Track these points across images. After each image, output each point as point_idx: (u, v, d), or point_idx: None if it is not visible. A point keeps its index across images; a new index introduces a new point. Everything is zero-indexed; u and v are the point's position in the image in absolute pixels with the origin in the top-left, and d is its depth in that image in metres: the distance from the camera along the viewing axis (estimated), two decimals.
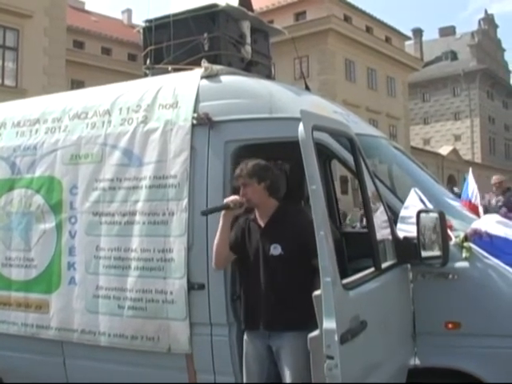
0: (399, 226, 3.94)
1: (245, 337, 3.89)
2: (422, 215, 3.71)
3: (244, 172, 3.82)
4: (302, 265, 3.66)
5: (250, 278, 3.86)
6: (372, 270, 3.49)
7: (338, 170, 5.48)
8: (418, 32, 65.22)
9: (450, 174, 48.71)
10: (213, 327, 4.20)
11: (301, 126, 3.01)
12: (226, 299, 4.15)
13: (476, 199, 5.19)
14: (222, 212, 3.85)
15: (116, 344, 4.43)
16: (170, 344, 4.27)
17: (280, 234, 3.75)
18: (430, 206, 3.97)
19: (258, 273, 3.76)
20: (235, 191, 3.99)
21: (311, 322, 3.44)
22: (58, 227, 4.71)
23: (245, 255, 3.89)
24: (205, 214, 4.00)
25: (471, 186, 6.67)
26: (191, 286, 4.20)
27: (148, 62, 5.29)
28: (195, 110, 4.41)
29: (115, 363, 4.49)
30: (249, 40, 5.26)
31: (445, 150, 52.50)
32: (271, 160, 5.97)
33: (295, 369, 3.59)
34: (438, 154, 50.61)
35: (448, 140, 63.04)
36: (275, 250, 3.71)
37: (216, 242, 3.90)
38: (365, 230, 3.79)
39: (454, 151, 53.60)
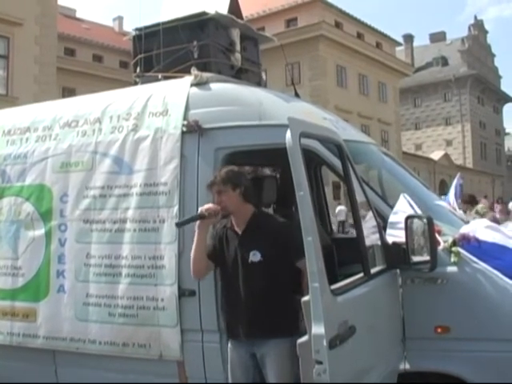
0: (388, 231, 3.97)
1: (229, 345, 3.88)
2: (411, 220, 3.74)
3: (218, 179, 3.79)
4: (281, 269, 3.66)
5: (229, 286, 3.84)
6: (361, 275, 3.50)
7: (330, 176, 5.50)
8: (408, 38, 65.68)
9: (442, 178, 48.90)
10: (204, 334, 4.21)
11: (288, 133, 3.02)
12: (217, 306, 4.14)
13: (453, 203, 5.26)
14: (197, 222, 3.80)
15: (107, 351, 4.42)
16: (162, 351, 4.27)
17: (258, 240, 3.73)
18: (419, 212, 4.00)
19: (238, 280, 3.74)
20: None
21: (294, 327, 3.47)
22: (48, 235, 4.70)
23: (223, 263, 3.87)
24: (179, 225, 3.99)
25: (452, 190, 6.74)
26: (182, 293, 4.21)
27: (138, 70, 5.31)
28: (185, 118, 4.42)
29: (106, 371, 4.48)
30: (238, 47, 5.29)
31: (436, 155, 52.77)
32: (261, 167, 6.03)
33: (280, 375, 3.59)
34: (429, 159, 50.86)
35: (439, 145, 63.35)
36: (254, 256, 3.69)
37: (193, 252, 3.85)
38: (354, 236, 3.80)
39: (446, 156, 53.88)
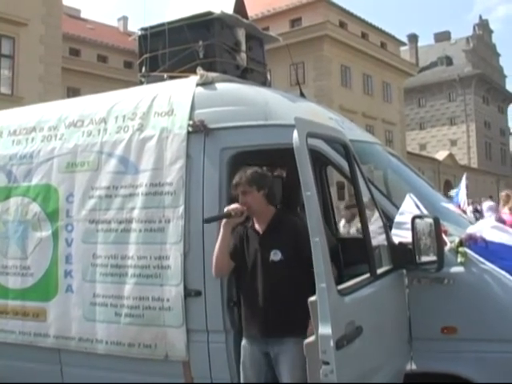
0: (394, 231, 3.96)
1: (243, 343, 3.89)
2: (417, 221, 3.73)
3: (243, 180, 3.83)
4: (300, 270, 3.66)
5: (248, 285, 3.86)
6: (367, 275, 3.50)
7: (335, 176, 5.49)
8: (413, 38, 65.56)
9: (447, 179, 48.78)
10: (209, 334, 4.21)
11: (295, 133, 3.02)
12: (223, 306, 4.15)
13: (464, 204, 5.23)
14: (223, 221, 3.87)
15: (113, 352, 4.43)
16: (167, 351, 4.27)
17: (279, 239, 3.77)
18: (425, 212, 3.99)
19: (257, 279, 3.77)
20: (233, 200, 4.00)
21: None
22: (55, 235, 4.71)
23: (243, 262, 3.90)
24: (207, 221, 4.01)
25: (462, 192, 6.71)
26: (188, 293, 4.21)
27: (143, 69, 5.30)
28: (191, 118, 4.42)
29: (112, 371, 4.48)
30: (244, 47, 5.29)
31: (441, 155, 52.64)
32: (267, 167, 6.01)
33: (294, 374, 3.59)
34: (434, 159, 50.73)
35: (444, 145, 63.21)
36: (275, 255, 3.73)
37: (216, 250, 3.91)
38: (360, 236, 3.79)
39: (451, 156, 53.73)
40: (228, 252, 3.91)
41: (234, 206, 3.84)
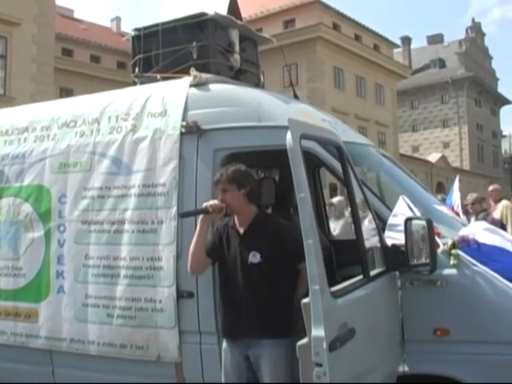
0: (387, 233, 3.96)
1: (223, 346, 3.87)
2: (410, 223, 3.74)
3: (224, 177, 3.78)
4: (281, 272, 3.66)
5: (228, 285, 3.84)
6: (360, 277, 3.50)
7: (328, 177, 5.49)
8: (406, 40, 65.66)
9: (439, 181, 48.93)
10: (202, 335, 4.20)
11: (289, 135, 3.02)
12: (215, 307, 4.13)
13: (458, 207, 5.25)
14: (200, 216, 3.83)
15: (105, 353, 4.42)
16: (160, 352, 4.26)
17: (259, 241, 3.73)
18: (418, 214, 4.00)
19: (237, 280, 3.74)
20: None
21: (290, 330, 3.47)
22: (47, 236, 4.69)
23: (222, 262, 3.87)
24: (183, 216, 4.00)
25: (456, 194, 6.72)
26: (180, 295, 4.20)
27: (137, 70, 5.29)
28: (184, 119, 4.42)
29: (104, 372, 4.47)
30: (237, 48, 5.29)
31: (433, 158, 52.74)
32: (260, 168, 6.01)
33: (275, 376, 3.58)
34: (426, 161, 50.82)
35: (437, 147, 63.32)
36: (254, 257, 3.68)
37: (192, 246, 3.85)
38: (353, 238, 3.79)
39: (443, 158, 53.86)
40: (204, 249, 3.85)
41: (212, 202, 3.78)
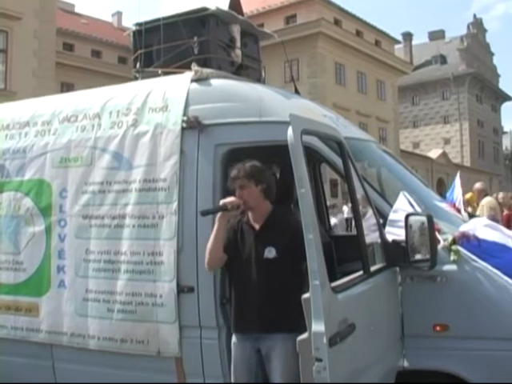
0: (388, 229, 3.96)
1: (233, 339, 3.87)
2: (411, 218, 3.74)
3: (242, 173, 3.78)
4: (294, 267, 3.66)
5: (241, 280, 3.84)
6: (361, 273, 3.50)
7: (328, 173, 5.50)
8: (407, 36, 65.48)
9: (440, 177, 48.93)
10: (202, 330, 4.21)
11: (290, 130, 3.02)
12: (216, 302, 4.15)
13: (460, 203, 5.25)
14: (219, 214, 3.84)
15: (105, 347, 4.42)
16: (160, 347, 4.27)
17: (274, 237, 3.74)
18: (419, 210, 4.00)
19: (251, 275, 3.74)
20: (227, 194, 3.98)
21: (302, 324, 3.47)
22: (48, 230, 4.70)
23: (236, 257, 3.87)
24: (204, 214, 3.97)
25: (457, 190, 6.71)
26: (181, 289, 4.20)
27: (138, 65, 5.27)
28: (185, 114, 4.41)
29: (104, 366, 4.48)
30: (239, 43, 5.27)
31: (434, 154, 52.75)
32: (261, 163, 6.01)
33: (285, 371, 3.59)
34: (427, 158, 50.83)
35: (437, 143, 63.34)
36: (270, 252, 3.70)
37: (210, 243, 3.87)
38: (354, 234, 3.79)
39: (444, 154, 53.84)
40: (222, 245, 3.87)
41: (231, 199, 3.79)
